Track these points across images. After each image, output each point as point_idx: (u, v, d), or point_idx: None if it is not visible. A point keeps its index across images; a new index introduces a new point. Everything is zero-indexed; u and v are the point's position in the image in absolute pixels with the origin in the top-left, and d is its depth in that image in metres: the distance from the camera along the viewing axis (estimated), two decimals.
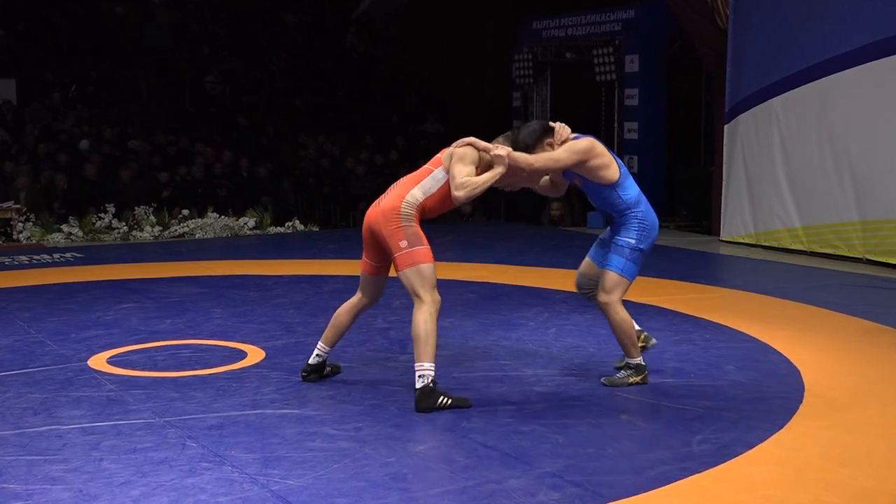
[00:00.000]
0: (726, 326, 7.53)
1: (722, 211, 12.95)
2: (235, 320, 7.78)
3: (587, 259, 6.20)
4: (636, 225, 5.82)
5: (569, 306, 8.35)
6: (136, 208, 13.93)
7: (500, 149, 5.64)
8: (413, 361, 5.46)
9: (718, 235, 12.93)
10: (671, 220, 14.67)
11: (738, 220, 12.65)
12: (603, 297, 5.84)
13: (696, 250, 12.04)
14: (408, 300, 8.40)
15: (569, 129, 5.93)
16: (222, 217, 14.10)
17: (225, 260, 11.35)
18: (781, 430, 5.03)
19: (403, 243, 5.58)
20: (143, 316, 7.96)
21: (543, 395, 5.67)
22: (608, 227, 6.08)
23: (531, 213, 15.81)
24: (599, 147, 5.87)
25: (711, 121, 14.89)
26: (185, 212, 14.10)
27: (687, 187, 15.24)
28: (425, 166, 5.80)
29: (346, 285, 9.37)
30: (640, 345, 6.08)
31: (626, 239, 5.81)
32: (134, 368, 6.29)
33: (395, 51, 22.17)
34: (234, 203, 14.79)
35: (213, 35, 21.04)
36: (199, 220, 13.95)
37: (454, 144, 5.74)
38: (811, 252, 11.47)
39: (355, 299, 6.04)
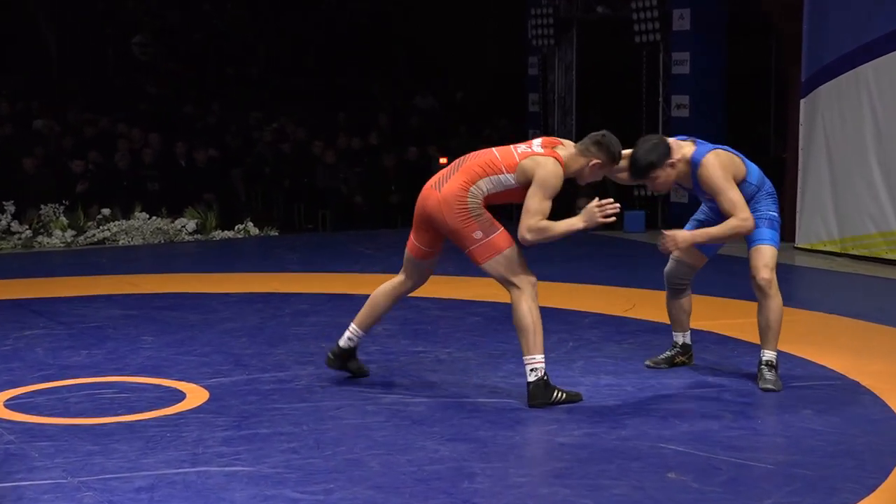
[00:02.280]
0: (803, 359, 7.55)
1: (798, 210, 12.98)
2: (171, 351, 7.79)
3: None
4: (770, 200, 6.76)
5: (601, 333, 8.37)
6: (42, 207, 13.95)
7: (665, 243, 6.56)
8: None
9: (793, 242, 12.96)
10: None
11: (818, 222, 12.68)
12: (765, 273, 6.64)
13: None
14: (393, 327, 8.48)
15: (688, 153, 6.69)
16: (153, 218, 14.13)
17: (157, 274, 11.36)
18: (873, 494, 5.04)
19: (478, 234, 6.37)
20: (51, 346, 7.96)
21: (568, 448, 5.68)
22: (702, 206, 6.99)
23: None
24: (726, 154, 6.72)
25: (784, 94, 14.92)
26: (106, 211, 14.12)
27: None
28: (493, 155, 6.48)
29: (313, 305, 9.41)
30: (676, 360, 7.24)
31: (771, 213, 6.71)
32: (40, 414, 6.28)
33: (378, 2, 22.22)
34: (168, 200, 14.82)
35: None
36: (124, 222, 13.98)
37: (538, 154, 6.39)
38: None
39: (397, 281, 6.80)
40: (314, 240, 14.55)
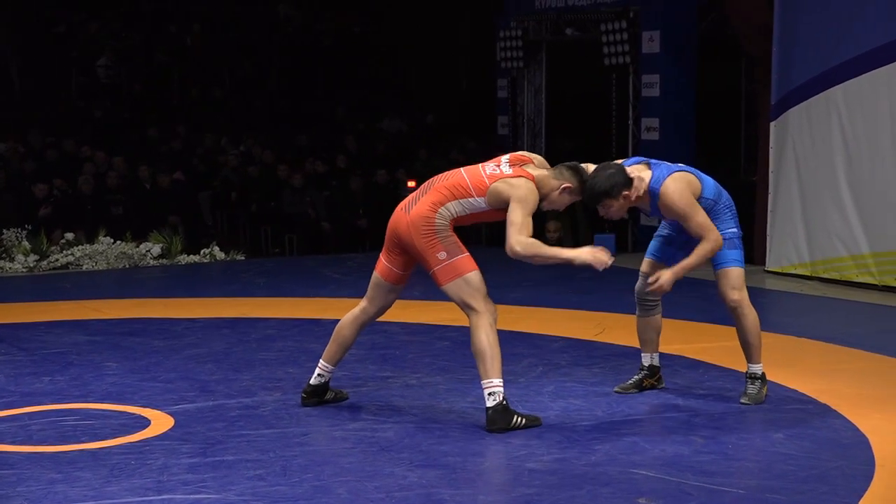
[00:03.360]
0: (774, 382, 7.57)
1: (768, 233, 13.03)
2: (135, 378, 7.77)
3: (648, 260, 7.13)
4: (728, 214, 6.91)
5: (570, 357, 8.39)
6: (3, 231, 13.88)
7: (653, 286, 6.70)
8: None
9: (763, 265, 13.01)
10: None
11: (788, 245, 12.74)
12: (735, 296, 6.88)
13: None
14: (361, 352, 8.48)
15: (646, 179, 6.75)
16: (118, 243, 14.07)
17: (122, 299, 11.32)
18: None
19: (442, 255, 6.48)
20: (13, 372, 7.92)
21: (538, 474, 5.69)
22: (662, 221, 7.11)
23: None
24: (685, 175, 6.82)
25: (754, 117, 15.01)
26: (69, 236, 14.06)
27: None
28: (462, 177, 6.57)
29: (280, 330, 9.39)
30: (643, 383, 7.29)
31: (730, 230, 6.86)
32: (1, 441, 6.25)
33: (345, 24, 22.24)
34: (133, 224, 14.77)
35: (104, 3, 21.03)
36: (88, 246, 13.91)
37: (509, 177, 6.47)
38: (885, 286, 11.57)
39: (359, 310, 6.87)
40: (281, 264, 14.53)
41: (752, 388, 7.03)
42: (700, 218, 6.67)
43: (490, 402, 6.37)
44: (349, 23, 22.25)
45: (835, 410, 6.88)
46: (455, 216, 6.52)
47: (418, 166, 18.33)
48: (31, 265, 13.50)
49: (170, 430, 6.47)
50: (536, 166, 6.63)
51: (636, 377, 7.37)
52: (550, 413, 6.81)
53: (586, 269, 6.55)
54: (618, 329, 9.27)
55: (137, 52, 20.36)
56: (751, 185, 14.31)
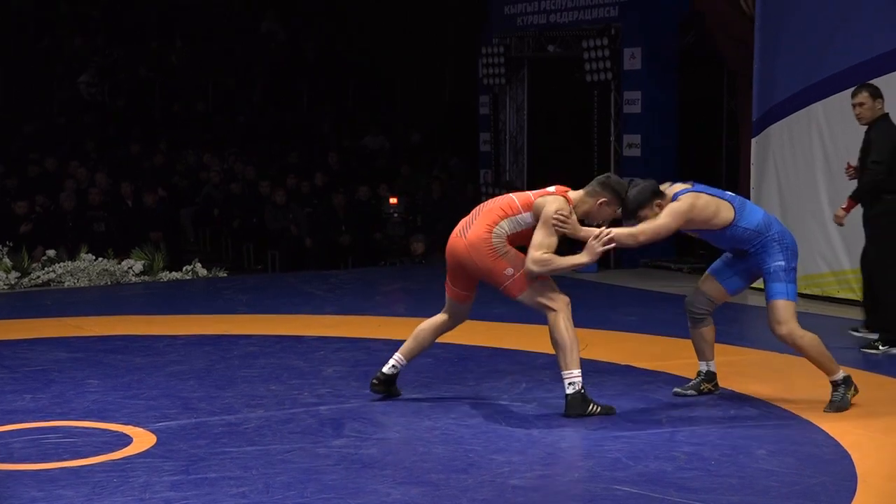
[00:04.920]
0: (756, 399, 7.61)
1: None
2: (117, 395, 7.75)
3: (709, 276, 7.47)
4: (776, 247, 7.13)
5: (554, 373, 8.37)
6: None
7: (600, 236, 6.87)
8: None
9: None
10: (684, 261, 14.79)
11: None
12: (782, 330, 7.12)
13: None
14: (344, 369, 8.48)
15: (669, 194, 7.11)
16: (100, 259, 14.05)
17: (104, 316, 11.29)
18: None
19: (509, 271, 7.01)
20: None
21: (521, 491, 5.69)
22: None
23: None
24: (701, 200, 7.05)
25: (735, 133, 15.06)
26: (51, 253, 14.03)
27: None
28: (511, 198, 7.15)
29: (262, 347, 9.38)
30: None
31: (776, 263, 7.11)
32: None
33: (328, 39, 22.27)
34: (115, 241, 14.75)
35: (87, 19, 21.02)
36: (70, 263, 13.88)
37: (550, 196, 7.02)
38: None
39: (440, 319, 7.48)
40: (263, 281, 14.52)
41: (834, 396, 7.23)
42: (659, 221, 6.95)
43: (569, 390, 6.96)
44: (333, 39, 22.28)
45: (816, 426, 6.90)
46: (509, 233, 7.03)
47: (401, 183, 18.37)
48: (13, 282, 13.46)
49: (152, 447, 6.46)
50: (577, 192, 7.15)
51: (695, 381, 7.66)
52: (533, 430, 6.81)
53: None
54: (601, 346, 9.28)
55: (120, 68, 20.35)
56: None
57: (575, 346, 6.99)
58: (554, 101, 17.31)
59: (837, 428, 6.82)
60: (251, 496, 5.58)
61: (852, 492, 5.66)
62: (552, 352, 8.77)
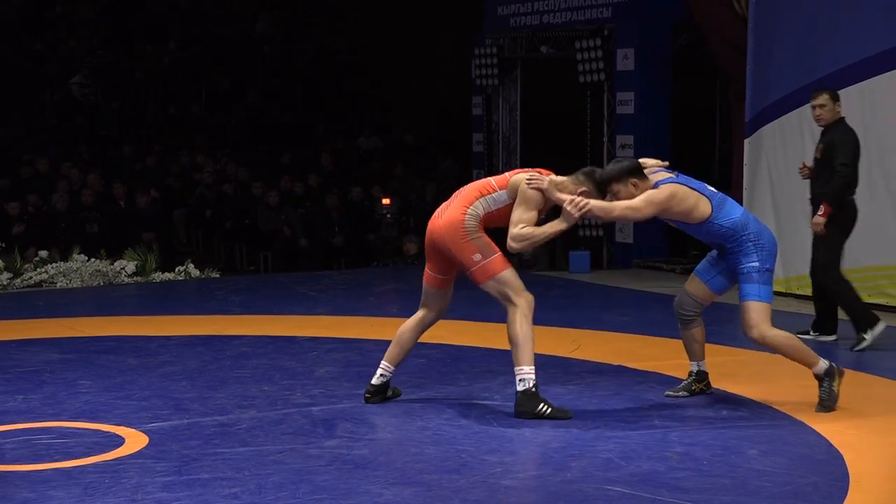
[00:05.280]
0: (748, 399, 7.61)
1: None
2: (109, 395, 7.74)
3: (694, 276, 7.48)
4: (751, 247, 7.09)
5: (546, 374, 8.38)
6: None
7: (575, 200, 6.84)
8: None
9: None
10: (676, 261, 14.80)
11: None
12: (753, 333, 7.12)
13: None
14: (336, 370, 8.48)
15: (653, 180, 7.09)
16: (93, 260, 14.04)
17: (96, 317, 11.28)
18: None
19: (477, 256, 6.97)
20: None
21: (514, 491, 5.69)
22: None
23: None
24: (681, 192, 7.01)
25: (728, 134, 15.08)
26: (43, 253, 14.02)
27: None
28: (488, 180, 7.14)
29: (255, 348, 9.38)
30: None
31: (750, 264, 7.09)
32: None
33: (322, 42, 22.27)
34: (108, 242, 14.74)
35: (81, 21, 21.01)
36: (62, 264, 13.88)
37: (526, 173, 7.02)
38: None
39: (420, 315, 7.38)
40: (256, 282, 14.51)
41: (822, 392, 7.19)
42: (634, 203, 6.92)
43: (519, 387, 6.90)
44: (326, 41, 22.28)
45: (809, 426, 6.91)
46: (482, 214, 6.99)
47: (395, 184, 18.37)
48: (5, 283, 13.46)
49: (144, 448, 6.45)
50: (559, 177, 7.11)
51: (686, 382, 7.65)
52: (525, 430, 6.81)
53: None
54: (593, 346, 9.29)
55: (113, 70, 20.34)
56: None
57: (528, 343, 6.91)
58: (547, 101, 17.33)
59: (829, 428, 6.83)
60: (243, 497, 5.57)
61: (844, 492, 5.66)
62: (545, 352, 8.82)
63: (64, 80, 19.81)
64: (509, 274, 7.01)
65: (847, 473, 5.97)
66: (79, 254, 14.06)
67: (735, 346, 9.53)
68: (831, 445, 6.50)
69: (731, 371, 8.48)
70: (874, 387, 8.10)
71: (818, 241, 9.57)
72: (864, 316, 9.53)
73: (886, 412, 7.30)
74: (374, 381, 7.38)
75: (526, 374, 6.90)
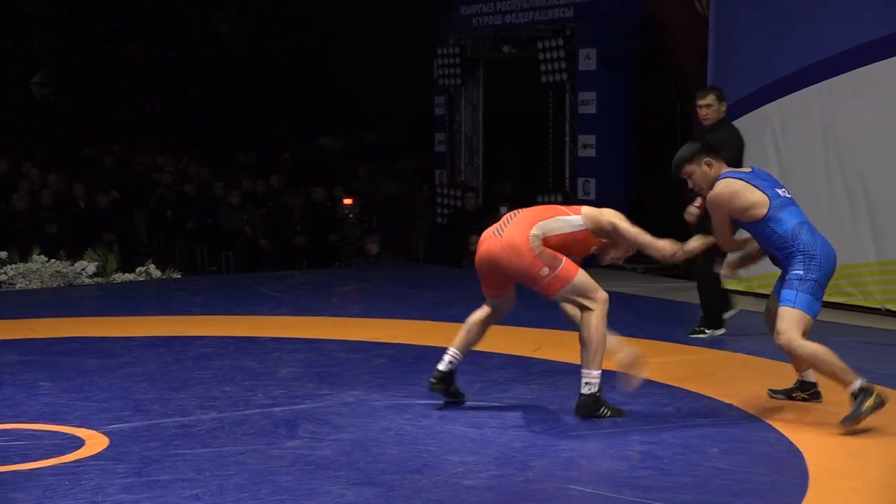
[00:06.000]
0: (709, 397, 7.64)
1: None
2: (69, 397, 7.70)
3: (771, 294, 7.28)
4: (799, 258, 6.90)
5: (508, 374, 8.41)
6: None
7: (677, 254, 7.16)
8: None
9: None
10: (638, 261, 14.84)
11: (723, 261, 12.82)
12: (780, 339, 6.84)
13: (672, 300, 12.19)
14: (298, 370, 8.47)
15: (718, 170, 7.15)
16: (52, 261, 13.97)
17: (56, 318, 11.22)
18: None
19: (545, 271, 6.86)
20: None
21: (475, 491, 5.69)
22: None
23: (458, 252, 15.90)
24: (735, 187, 7.01)
25: (689, 133, 15.13)
26: (3, 254, 13.94)
27: (659, 219, 15.41)
28: (553, 205, 7.31)
29: (217, 348, 9.35)
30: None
31: (794, 272, 6.88)
32: None
33: (285, 41, 22.24)
34: (67, 243, 14.67)
35: (42, 19, 20.90)
36: (21, 265, 13.80)
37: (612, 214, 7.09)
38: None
39: (486, 312, 7.30)
40: (218, 282, 14.47)
41: (852, 405, 6.74)
42: (716, 219, 7.11)
43: (584, 390, 6.91)
44: (290, 41, 22.25)
45: (769, 424, 6.95)
46: (546, 235, 6.91)
47: (357, 184, 18.37)
48: None
49: (104, 450, 6.42)
50: None
51: (789, 387, 7.57)
52: (487, 430, 6.82)
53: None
54: (554, 346, 9.31)
55: (74, 70, 20.26)
56: (687, 201, 14.37)
57: (600, 347, 6.90)
58: (509, 101, 17.36)
59: (790, 427, 6.87)
60: (204, 498, 5.56)
61: (804, 490, 5.70)
62: (507, 352, 8.83)
63: (24, 80, 19.71)
64: (581, 277, 6.95)
65: (807, 471, 6.01)
66: (38, 255, 13.99)
67: (694, 345, 9.59)
68: (792, 444, 6.54)
69: (690, 370, 8.52)
70: (835, 387, 8.13)
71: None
72: (717, 314, 9.94)
73: (846, 411, 7.34)
74: (442, 367, 7.24)
75: (593, 379, 6.90)
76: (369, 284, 13.78)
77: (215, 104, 20.80)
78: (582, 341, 6.94)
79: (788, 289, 6.87)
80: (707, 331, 9.89)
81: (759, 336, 10.33)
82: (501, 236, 6.97)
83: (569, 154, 15.79)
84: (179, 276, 14.61)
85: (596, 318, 6.91)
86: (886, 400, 6.74)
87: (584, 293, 6.94)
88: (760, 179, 7.10)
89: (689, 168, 7.10)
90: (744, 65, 12.62)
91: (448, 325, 10.27)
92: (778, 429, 6.86)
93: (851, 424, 6.69)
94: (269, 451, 6.40)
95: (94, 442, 6.56)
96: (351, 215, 16.87)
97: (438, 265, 15.94)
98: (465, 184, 17.38)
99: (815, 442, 6.58)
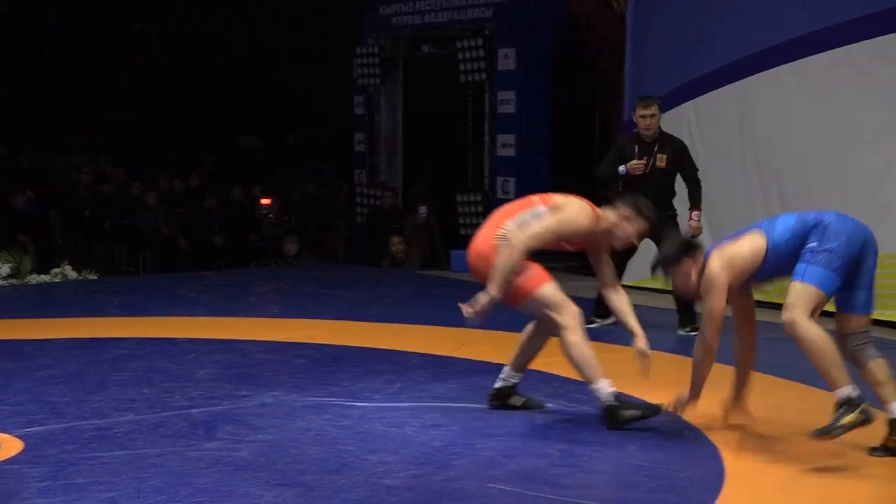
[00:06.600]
0: (627, 395, 7.70)
1: None
2: None
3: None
4: (813, 232, 6.22)
5: (428, 373, 8.42)
6: None
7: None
8: None
9: (620, 278, 13.17)
10: (558, 260, 14.90)
11: (642, 259, 12.92)
12: (784, 315, 6.19)
13: (593, 298, 12.28)
14: (216, 371, 8.42)
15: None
16: None
17: None
18: None
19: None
20: None
21: (395, 491, 5.70)
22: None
23: (377, 251, 15.89)
24: (728, 253, 6.42)
25: (607, 132, 15.25)
26: None
27: None
28: (528, 198, 6.81)
29: (134, 350, 9.28)
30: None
31: (808, 245, 6.20)
32: None
33: (204, 39, 22.10)
34: None
35: None
36: None
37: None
38: None
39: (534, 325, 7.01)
40: (135, 283, 14.36)
41: (832, 418, 6.03)
42: (707, 304, 6.55)
43: (601, 405, 6.73)
44: (208, 39, 22.11)
45: (686, 422, 7.01)
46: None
47: (276, 184, 18.30)
48: None
49: (19, 453, 6.34)
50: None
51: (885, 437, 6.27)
52: (408, 429, 6.83)
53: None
54: (475, 344, 9.34)
55: None
56: (606, 199, 14.46)
57: (588, 360, 6.66)
58: (429, 101, 17.39)
59: (707, 424, 6.94)
60: (122, 501, 5.51)
61: (719, 486, 5.77)
62: (427, 352, 8.84)
63: None
64: (547, 289, 6.65)
65: (723, 467, 6.08)
66: None
67: (613, 343, 9.66)
68: (708, 440, 6.61)
69: (610, 368, 8.55)
70: (752, 383, 8.22)
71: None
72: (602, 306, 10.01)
73: (761, 407, 7.42)
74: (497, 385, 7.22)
75: (601, 392, 6.70)
76: (287, 284, 13.74)
77: (133, 104, 20.63)
78: (571, 364, 6.76)
79: (801, 262, 6.19)
80: (597, 319, 10.37)
81: (677, 335, 10.45)
82: (475, 242, 6.79)
83: (488, 153, 15.85)
84: (96, 276, 14.47)
85: (572, 337, 6.64)
86: (872, 418, 6.02)
87: (550, 307, 6.68)
88: (751, 227, 6.55)
89: (673, 270, 6.68)
90: (661, 65, 12.74)
91: (370, 325, 10.29)
92: (695, 425, 6.93)
93: (822, 438, 6.05)
94: (187, 452, 6.36)
95: (9, 446, 6.48)
96: (270, 215, 16.81)
97: (358, 265, 15.94)
98: (383, 183, 17.40)
99: (731, 438, 6.67)
